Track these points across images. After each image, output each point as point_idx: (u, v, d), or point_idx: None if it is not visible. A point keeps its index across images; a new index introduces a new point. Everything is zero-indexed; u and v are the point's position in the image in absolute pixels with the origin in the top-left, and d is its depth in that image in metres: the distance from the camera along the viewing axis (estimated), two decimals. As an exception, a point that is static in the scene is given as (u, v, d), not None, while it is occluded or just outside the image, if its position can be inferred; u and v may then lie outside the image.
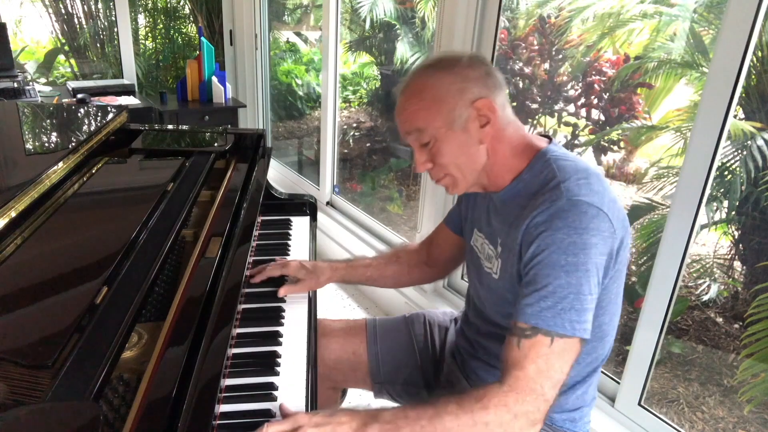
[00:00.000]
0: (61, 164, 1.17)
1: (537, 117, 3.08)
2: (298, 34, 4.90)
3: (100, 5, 4.28)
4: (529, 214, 0.97)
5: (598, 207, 0.94)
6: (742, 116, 2.15)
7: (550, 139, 1.09)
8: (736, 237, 2.34)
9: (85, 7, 4.28)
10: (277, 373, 1.03)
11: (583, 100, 2.84)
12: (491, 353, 1.16)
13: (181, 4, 4.49)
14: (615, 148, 2.91)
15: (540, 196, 0.98)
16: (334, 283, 1.38)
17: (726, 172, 2.15)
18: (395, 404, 1.38)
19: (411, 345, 1.37)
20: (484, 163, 1.05)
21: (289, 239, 1.53)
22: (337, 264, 1.36)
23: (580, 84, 2.86)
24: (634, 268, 2.63)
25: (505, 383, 0.93)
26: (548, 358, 0.92)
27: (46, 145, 1.43)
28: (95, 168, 1.31)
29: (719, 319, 2.39)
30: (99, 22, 4.33)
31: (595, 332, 1.03)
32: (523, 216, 0.99)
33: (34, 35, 4.62)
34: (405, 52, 3.87)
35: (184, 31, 4.56)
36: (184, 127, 2.64)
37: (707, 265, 2.43)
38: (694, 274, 2.43)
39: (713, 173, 1.40)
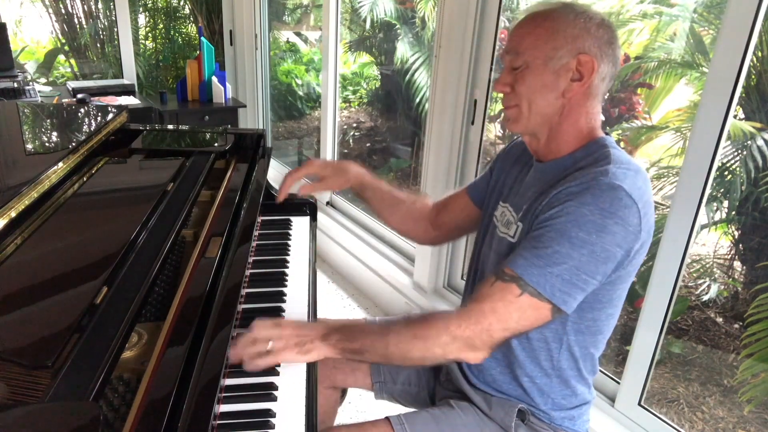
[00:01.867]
0: (61, 164, 1.17)
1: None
2: (298, 34, 4.90)
3: (100, 5, 4.28)
4: (565, 183, 0.97)
5: (635, 200, 0.93)
6: (742, 116, 2.15)
7: (607, 133, 1.08)
8: (736, 237, 2.34)
9: (85, 7, 4.28)
10: (277, 373, 1.03)
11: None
12: None
13: (181, 4, 4.50)
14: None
15: (584, 170, 0.98)
16: (354, 188, 1.39)
17: (726, 172, 2.15)
18: (395, 405, 1.38)
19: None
20: (553, 117, 1.03)
21: (289, 239, 1.53)
22: (364, 170, 1.37)
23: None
24: (634, 268, 2.63)
25: (456, 311, 1.00)
26: (509, 305, 0.95)
27: (46, 145, 1.43)
28: (95, 168, 1.31)
29: (719, 319, 2.39)
30: (99, 22, 4.33)
31: (587, 324, 1.03)
32: (560, 184, 0.98)
33: (34, 35, 4.62)
34: (405, 52, 3.87)
35: (184, 31, 4.56)
36: (184, 127, 2.64)
37: (707, 265, 2.43)
38: (694, 274, 2.43)
39: (713, 173, 1.40)
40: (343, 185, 1.34)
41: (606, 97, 1.20)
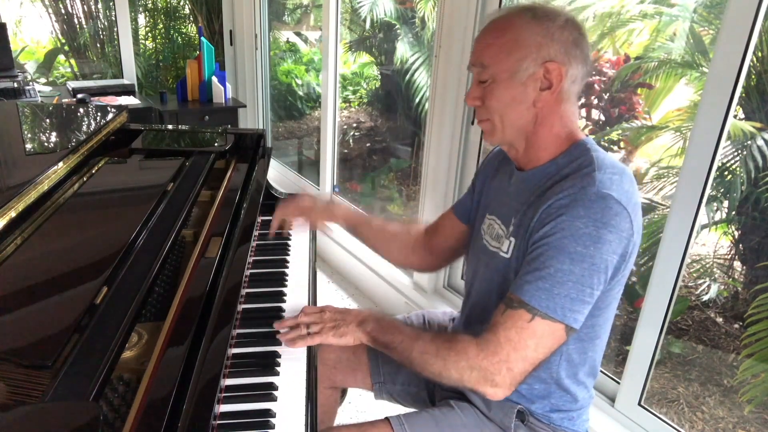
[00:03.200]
0: (61, 164, 1.17)
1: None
2: (298, 34, 4.90)
3: (100, 5, 4.28)
4: (553, 195, 0.96)
5: (624, 206, 0.93)
6: (742, 116, 2.15)
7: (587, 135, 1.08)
8: (736, 237, 2.34)
9: (85, 7, 4.28)
10: (277, 373, 1.03)
11: (583, 100, 2.84)
12: None
13: (181, 4, 4.49)
14: (615, 148, 2.90)
15: (570, 179, 0.97)
16: (348, 227, 1.42)
17: (726, 172, 2.15)
18: (395, 405, 1.38)
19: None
20: (527, 127, 1.02)
21: (289, 239, 1.53)
22: (352, 211, 1.39)
23: (580, 84, 2.86)
24: (634, 268, 2.63)
25: (477, 338, 0.99)
26: (522, 332, 0.94)
27: (46, 145, 1.43)
28: (95, 168, 1.31)
29: (719, 319, 2.39)
30: (99, 22, 4.33)
31: (586, 332, 1.03)
32: (547, 196, 0.97)
33: (34, 35, 4.62)
34: (405, 52, 3.87)
35: (184, 31, 4.56)
36: (184, 127, 2.64)
37: (707, 265, 2.43)
38: (694, 274, 2.43)
39: (713, 173, 1.40)
40: (329, 219, 1.38)
41: (582, 98, 1.19)
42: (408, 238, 1.40)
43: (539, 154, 1.04)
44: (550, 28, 0.97)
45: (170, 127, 2.85)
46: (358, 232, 1.43)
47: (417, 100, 3.70)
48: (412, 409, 1.28)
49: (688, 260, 1.51)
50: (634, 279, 2.50)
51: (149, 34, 4.53)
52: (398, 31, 4.01)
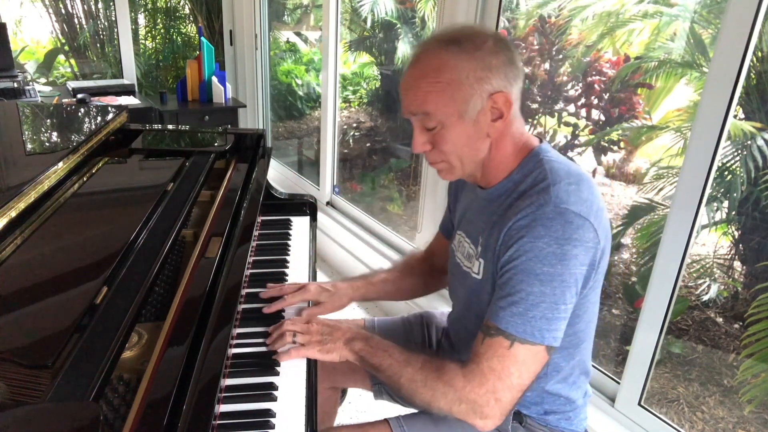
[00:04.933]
0: (61, 164, 1.17)
1: (537, 117, 3.08)
2: (298, 34, 4.90)
3: (100, 5, 4.28)
4: (512, 216, 0.95)
5: (585, 217, 0.91)
6: (742, 116, 2.15)
7: (541, 139, 1.06)
8: (736, 237, 2.34)
9: (85, 7, 4.28)
10: (277, 373, 1.03)
11: (583, 100, 2.84)
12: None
13: (181, 4, 4.49)
14: (615, 148, 2.91)
15: (527, 197, 0.95)
16: (356, 301, 1.36)
17: (726, 173, 2.15)
18: (395, 405, 1.38)
19: (409, 345, 1.37)
20: (484, 157, 1.02)
21: (289, 239, 1.53)
22: (357, 283, 1.33)
23: (580, 84, 2.86)
24: (634, 268, 2.63)
25: (463, 368, 0.96)
26: (504, 360, 0.93)
27: (46, 145, 1.43)
28: (95, 168, 1.31)
29: (719, 319, 2.39)
30: (99, 22, 4.33)
31: (570, 339, 1.02)
32: (507, 216, 0.96)
33: (34, 35, 4.62)
34: (406, 51, 3.87)
35: (184, 31, 4.56)
36: (184, 127, 2.64)
37: (707, 265, 2.43)
38: (694, 274, 2.43)
39: (713, 173, 1.40)
40: (341, 307, 1.31)
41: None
42: (416, 270, 1.38)
43: (497, 173, 1.04)
44: (484, 57, 0.94)
45: (170, 127, 2.85)
46: (371, 298, 1.39)
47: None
48: (411, 410, 1.28)
49: (688, 260, 1.51)
50: (634, 279, 2.50)
51: (149, 34, 4.53)
52: (399, 30, 4.01)
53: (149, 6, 4.47)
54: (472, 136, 0.98)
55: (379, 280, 1.35)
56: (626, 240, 2.67)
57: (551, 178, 0.95)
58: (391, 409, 1.29)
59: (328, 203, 3.18)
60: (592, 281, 0.97)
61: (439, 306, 2.33)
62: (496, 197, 1.04)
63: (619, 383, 1.71)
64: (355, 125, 4.57)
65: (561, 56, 2.97)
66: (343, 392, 1.51)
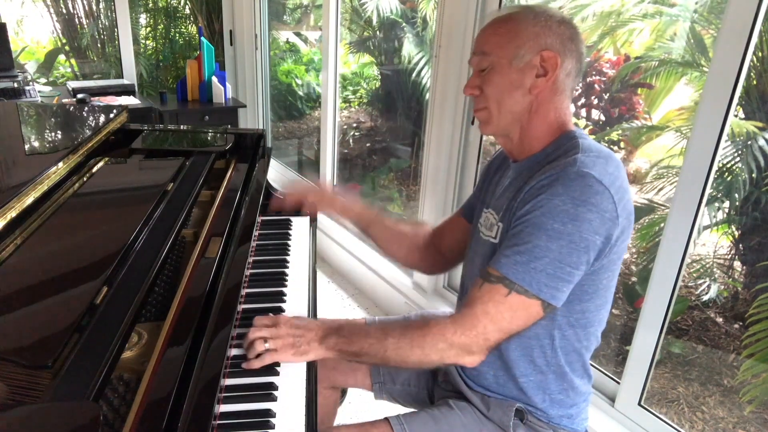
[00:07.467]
0: (61, 164, 1.17)
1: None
2: (298, 34, 4.90)
3: (100, 5, 4.28)
4: (537, 177, 0.98)
5: (606, 186, 0.93)
6: (743, 116, 2.15)
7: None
8: (737, 237, 2.34)
9: (85, 6, 4.28)
10: (277, 373, 1.03)
11: (583, 100, 2.84)
12: None
13: (182, 4, 4.50)
14: (615, 148, 2.91)
15: (555, 162, 0.99)
16: (357, 224, 1.43)
17: (726, 173, 2.15)
18: (395, 405, 1.38)
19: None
20: (522, 115, 1.05)
21: (289, 239, 1.53)
22: (368, 209, 1.41)
23: (581, 84, 2.86)
24: (634, 268, 2.63)
25: (451, 317, 1.01)
26: (499, 305, 0.97)
27: (46, 145, 1.43)
28: (95, 168, 1.31)
29: (719, 319, 2.39)
30: (99, 22, 4.34)
31: (577, 318, 1.04)
32: (533, 179, 0.99)
33: (35, 35, 4.63)
34: (411, 51, 3.87)
35: (184, 31, 4.56)
36: (184, 127, 2.64)
37: (707, 265, 2.43)
38: (694, 274, 2.43)
39: (713, 173, 1.40)
40: (345, 213, 1.40)
41: (582, 98, 1.21)
42: (417, 239, 1.40)
43: (532, 143, 1.07)
44: (549, 21, 1.02)
45: (170, 127, 2.85)
46: (371, 231, 1.42)
47: (426, 98, 3.70)
48: (411, 409, 1.28)
49: (688, 260, 1.51)
50: (634, 279, 2.50)
51: (149, 34, 4.53)
52: (401, 29, 4.01)
53: (149, 6, 4.47)
54: (514, 84, 1.02)
55: (386, 223, 1.41)
56: (626, 240, 2.67)
57: (581, 148, 0.99)
58: (391, 409, 1.29)
59: (328, 203, 3.18)
60: (605, 258, 0.98)
61: (439, 306, 2.33)
62: (526, 168, 1.07)
63: (619, 383, 1.71)
64: (355, 125, 4.57)
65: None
66: (343, 392, 1.51)
